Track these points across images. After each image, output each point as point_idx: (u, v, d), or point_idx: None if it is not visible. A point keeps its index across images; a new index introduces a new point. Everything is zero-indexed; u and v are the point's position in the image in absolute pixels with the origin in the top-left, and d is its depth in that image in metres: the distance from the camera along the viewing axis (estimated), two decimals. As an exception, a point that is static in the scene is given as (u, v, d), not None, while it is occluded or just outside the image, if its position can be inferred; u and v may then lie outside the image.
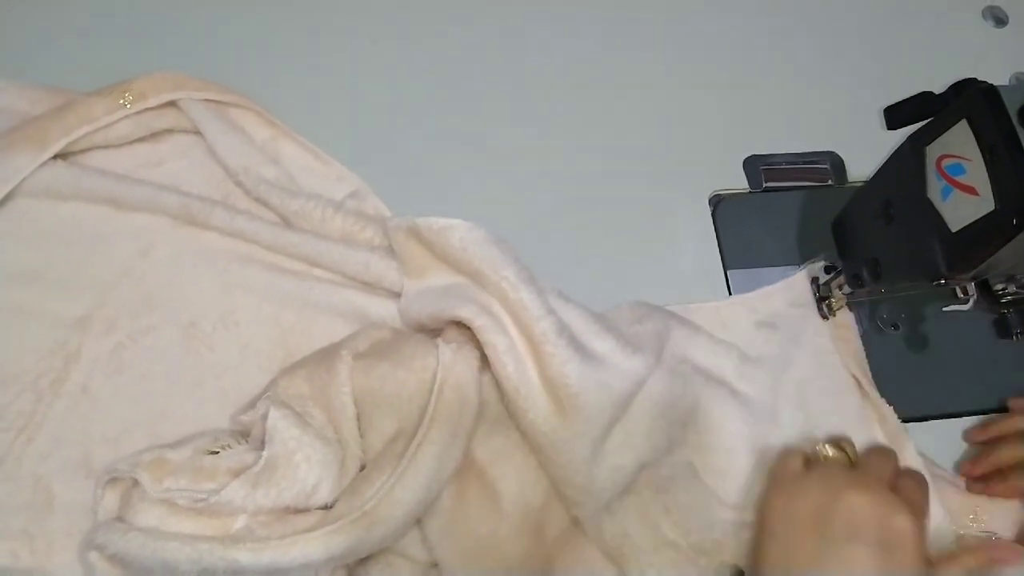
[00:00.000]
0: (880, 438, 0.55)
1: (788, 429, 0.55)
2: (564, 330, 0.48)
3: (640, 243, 0.61)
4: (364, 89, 0.65)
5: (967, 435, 0.56)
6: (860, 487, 0.42)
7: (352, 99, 0.64)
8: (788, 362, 0.58)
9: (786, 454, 0.48)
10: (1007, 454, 0.53)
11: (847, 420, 0.56)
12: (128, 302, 0.54)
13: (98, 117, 0.56)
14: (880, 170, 0.51)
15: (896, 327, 0.60)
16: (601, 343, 0.50)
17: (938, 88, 0.64)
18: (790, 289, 0.60)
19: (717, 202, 0.64)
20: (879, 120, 0.67)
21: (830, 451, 0.47)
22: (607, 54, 0.69)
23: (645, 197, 0.63)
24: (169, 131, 0.60)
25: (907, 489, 0.43)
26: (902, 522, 0.40)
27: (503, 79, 0.66)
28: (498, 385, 0.48)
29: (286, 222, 0.57)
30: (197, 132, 0.59)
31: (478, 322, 0.47)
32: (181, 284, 0.55)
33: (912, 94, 0.65)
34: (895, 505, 0.41)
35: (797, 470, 0.46)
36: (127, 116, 0.57)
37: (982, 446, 0.55)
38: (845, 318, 0.59)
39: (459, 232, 0.50)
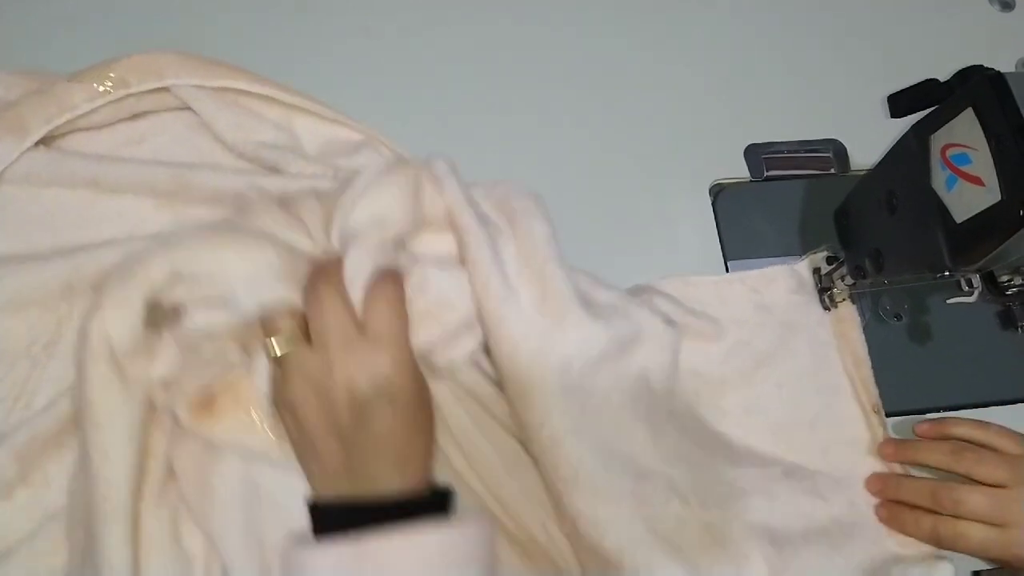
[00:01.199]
0: (866, 442, 0.55)
1: (775, 421, 0.55)
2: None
3: (640, 232, 0.61)
4: (359, 82, 0.64)
5: (880, 448, 0.54)
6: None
7: (348, 93, 0.63)
8: (782, 350, 0.57)
9: None
10: (911, 496, 0.51)
11: (836, 421, 0.56)
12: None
13: (78, 105, 0.55)
14: (883, 159, 0.50)
15: (899, 317, 0.60)
16: (606, 293, 0.51)
17: (943, 75, 0.64)
18: (793, 277, 0.60)
19: (718, 191, 0.63)
20: (883, 108, 0.66)
21: None
22: (607, 42, 0.68)
23: (645, 186, 0.62)
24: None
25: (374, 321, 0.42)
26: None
27: (502, 70, 0.65)
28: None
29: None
30: (179, 108, 0.58)
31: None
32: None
33: (917, 81, 0.64)
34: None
35: None
36: (108, 103, 0.56)
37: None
38: (847, 312, 0.58)
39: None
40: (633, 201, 0.61)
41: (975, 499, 0.48)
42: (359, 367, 0.41)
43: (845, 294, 0.58)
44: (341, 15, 0.66)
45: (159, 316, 0.45)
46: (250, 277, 0.45)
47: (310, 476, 0.43)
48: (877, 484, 0.53)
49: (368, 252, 0.45)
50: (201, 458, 0.46)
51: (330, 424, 0.41)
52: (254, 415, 0.46)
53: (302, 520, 0.42)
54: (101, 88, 0.55)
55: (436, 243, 0.52)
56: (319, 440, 0.41)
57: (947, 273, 0.46)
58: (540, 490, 0.49)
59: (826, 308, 0.59)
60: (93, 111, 0.56)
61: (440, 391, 0.50)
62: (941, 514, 0.49)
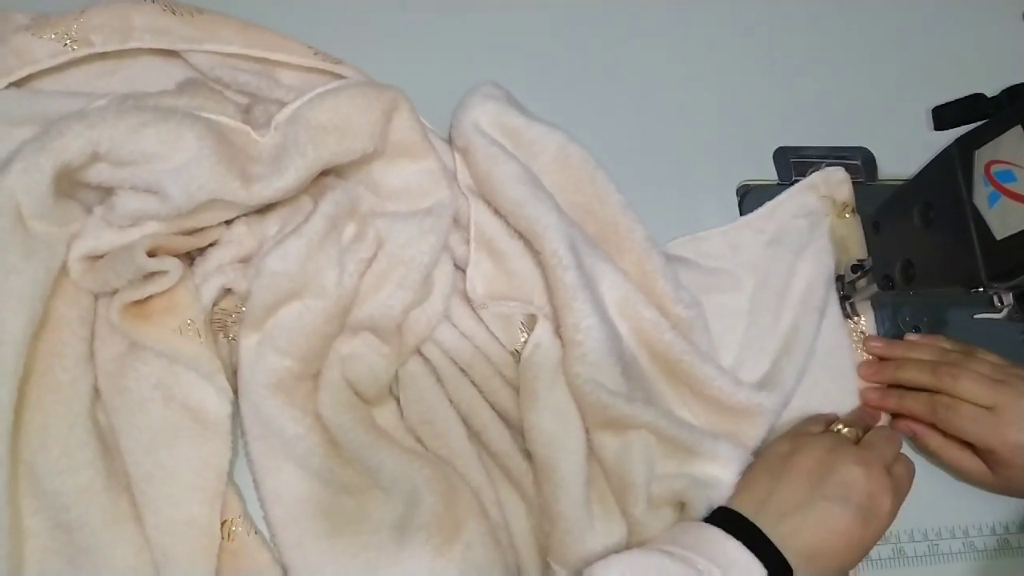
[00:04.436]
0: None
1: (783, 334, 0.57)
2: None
3: (665, 228, 0.60)
4: (388, 56, 0.63)
5: (866, 344, 0.58)
6: (861, 461, 0.46)
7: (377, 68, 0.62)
8: (793, 274, 0.58)
9: (810, 420, 0.53)
10: (911, 374, 0.54)
11: (836, 335, 0.58)
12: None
13: (40, 60, 0.53)
14: (922, 171, 0.50)
15: (917, 329, 0.60)
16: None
17: (974, 89, 0.63)
18: (792, 199, 0.61)
19: (744, 192, 0.63)
20: (912, 118, 0.66)
21: (843, 429, 0.51)
22: (640, 40, 0.67)
23: (673, 182, 0.62)
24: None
25: (899, 476, 0.48)
26: (885, 501, 0.46)
27: (531, 63, 0.64)
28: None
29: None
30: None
31: None
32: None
33: (945, 94, 0.64)
34: (885, 485, 0.46)
35: (813, 432, 0.51)
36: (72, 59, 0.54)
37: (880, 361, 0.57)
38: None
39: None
40: (660, 197, 0.61)
41: (970, 379, 0.51)
42: (866, 479, 0.46)
43: (867, 304, 0.58)
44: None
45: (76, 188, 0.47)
46: (177, 166, 0.45)
47: (740, 489, 0.48)
48: (872, 368, 0.57)
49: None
50: (122, 356, 0.47)
51: (803, 479, 0.46)
52: (191, 324, 0.47)
53: (207, 428, 0.46)
54: (63, 44, 0.53)
55: (393, 173, 0.54)
56: (783, 478, 0.46)
57: (980, 289, 0.46)
58: None
59: (847, 316, 0.59)
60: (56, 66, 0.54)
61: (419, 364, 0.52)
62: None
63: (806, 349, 0.55)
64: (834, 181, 0.60)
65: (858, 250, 0.58)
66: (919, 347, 0.56)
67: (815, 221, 0.59)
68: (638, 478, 0.48)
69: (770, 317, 0.57)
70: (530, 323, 0.52)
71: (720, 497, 0.48)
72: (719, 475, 0.48)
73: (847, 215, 0.59)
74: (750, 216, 0.61)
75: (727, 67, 0.67)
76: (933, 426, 0.53)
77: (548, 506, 0.48)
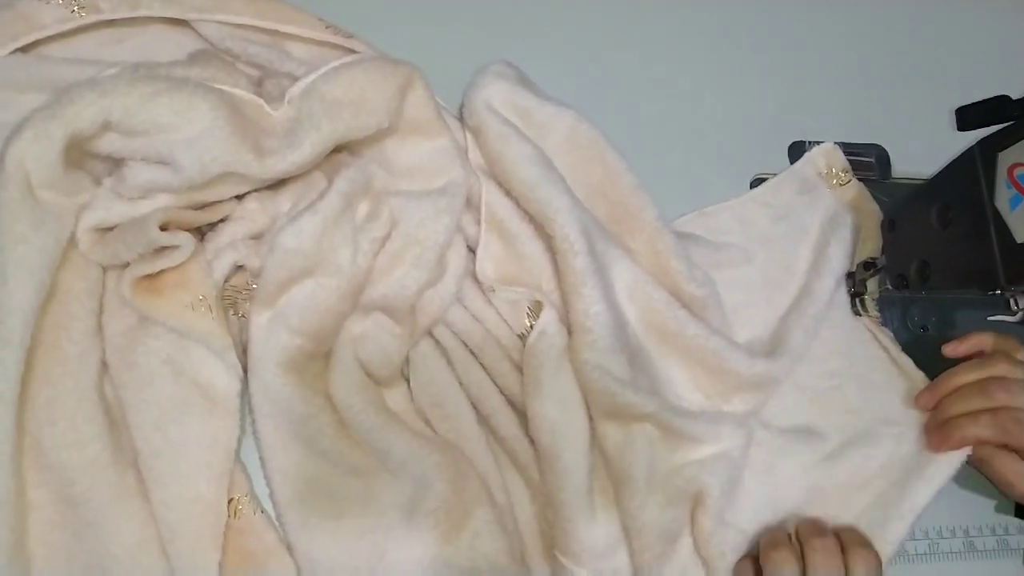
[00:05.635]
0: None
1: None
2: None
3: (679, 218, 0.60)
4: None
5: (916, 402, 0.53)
6: None
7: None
8: (802, 246, 0.59)
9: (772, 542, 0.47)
10: (960, 406, 0.49)
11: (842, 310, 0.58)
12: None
13: (47, 25, 0.52)
14: (942, 172, 0.50)
15: (925, 329, 0.60)
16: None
17: (992, 91, 0.63)
18: (794, 176, 0.62)
19: (758, 185, 0.62)
20: (928, 117, 0.66)
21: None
22: (658, 29, 0.67)
23: (687, 173, 0.62)
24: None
25: None
26: None
27: (545, 49, 0.64)
28: None
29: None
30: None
31: None
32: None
33: (962, 95, 0.63)
34: None
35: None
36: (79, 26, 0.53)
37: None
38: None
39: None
40: (675, 188, 0.60)
41: None
42: None
43: (875, 304, 0.58)
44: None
45: (85, 159, 0.46)
46: (189, 136, 0.44)
47: None
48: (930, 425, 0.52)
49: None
50: (132, 330, 0.46)
51: None
52: (203, 299, 0.46)
53: (216, 404, 0.46)
54: (71, 11, 0.52)
55: (407, 150, 0.54)
56: None
57: (998, 292, 0.46)
58: None
59: (857, 314, 0.59)
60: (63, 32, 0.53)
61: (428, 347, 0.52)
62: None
63: (817, 312, 0.56)
64: (829, 151, 0.62)
65: (869, 207, 0.60)
66: (959, 374, 0.50)
67: (816, 197, 0.61)
68: (637, 472, 0.48)
69: (781, 288, 0.58)
70: (536, 309, 0.52)
71: (730, 470, 0.48)
72: (726, 450, 0.49)
73: (848, 180, 0.61)
74: (755, 191, 0.61)
75: (745, 60, 0.67)
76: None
77: (551, 495, 0.48)
